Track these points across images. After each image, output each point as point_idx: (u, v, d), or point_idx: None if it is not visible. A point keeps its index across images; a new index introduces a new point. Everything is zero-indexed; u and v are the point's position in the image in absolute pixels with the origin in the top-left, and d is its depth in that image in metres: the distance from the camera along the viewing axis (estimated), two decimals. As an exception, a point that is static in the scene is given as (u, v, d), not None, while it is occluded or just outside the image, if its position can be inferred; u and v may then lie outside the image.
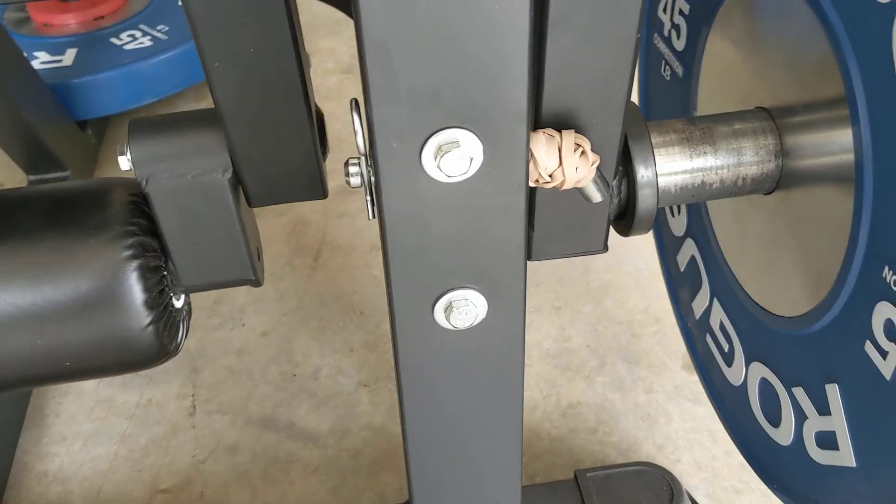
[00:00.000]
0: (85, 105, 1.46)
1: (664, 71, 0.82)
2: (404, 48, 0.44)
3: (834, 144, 0.56)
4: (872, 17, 0.49)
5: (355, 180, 0.54)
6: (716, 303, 0.78)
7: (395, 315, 0.58)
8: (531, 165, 0.53)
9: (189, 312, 0.75)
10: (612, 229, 0.65)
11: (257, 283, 0.71)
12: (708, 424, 1.01)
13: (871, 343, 0.52)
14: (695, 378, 1.05)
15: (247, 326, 1.16)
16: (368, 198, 0.55)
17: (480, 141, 0.49)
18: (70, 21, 1.59)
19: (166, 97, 1.55)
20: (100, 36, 1.55)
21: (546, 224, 0.62)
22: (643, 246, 1.25)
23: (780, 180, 0.62)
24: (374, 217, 0.56)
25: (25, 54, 1.48)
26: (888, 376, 0.51)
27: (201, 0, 0.49)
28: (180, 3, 0.49)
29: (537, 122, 0.55)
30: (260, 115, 0.58)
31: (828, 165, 0.57)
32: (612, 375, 1.07)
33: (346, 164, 0.54)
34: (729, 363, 0.76)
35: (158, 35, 1.54)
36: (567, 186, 0.54)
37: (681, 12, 0.76)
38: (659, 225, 0.92)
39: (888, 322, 0.51)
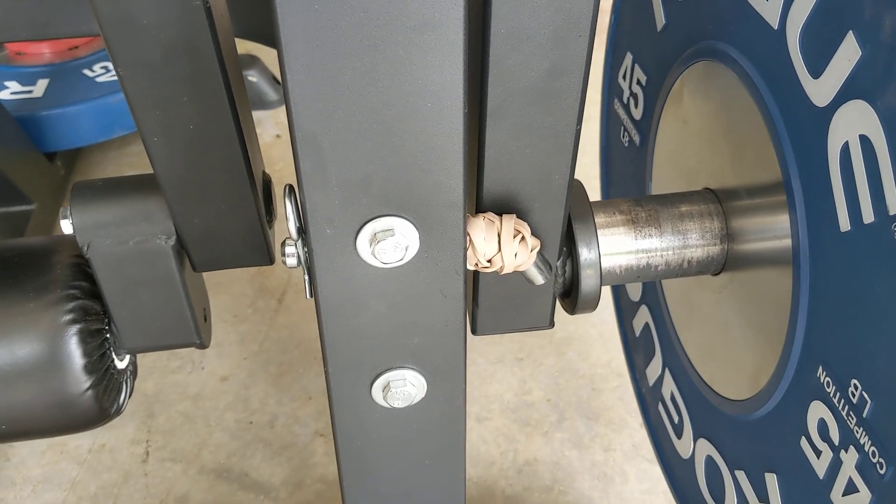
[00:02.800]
0: (54, 137, 1.45)
1: (623, 137, 0.82)
2: (335, 139, 0.44)
3: (773, 229, 0.56)
4: (809, 112, 0.49)
5: (291, 261, 0.53)
6: (667, 373, 0.77)
7: (333, 394, 0.58)
8: (470, 251, 0.52)
9: (134, 371, 0.74)
10: (558, 305, 0.64)
11: (202, 345, 0.70)
12: (664, 486, 1.00)
13: (806, 440, 0.52)
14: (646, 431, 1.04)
15: (206, 370, 1.14)
16: (306, 277, 0.54)
17: (416, 229, 0.49)
18: (44, 50, 1.58)
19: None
20: (73, 67, 1.54)
21: (490, 301, 0.61)
22: (610, 298, 1.24)
23: (726, 263, 0.62)
24: (311, 296, 0.56)
25: (-4, 83, 1.48)
26: (821, 475, 0.51)
27: (138, 80, 0.49)
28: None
29: (478, 205, 0.54)
30: (201, 187, 0.57)
31: (769, 250, 0.57)
32: (570, 431, 1.07)
33: (283, 244, 0.53)
34: (679, 435, 0.76)
35: (132, 67, 1.53)
36: (507, 271, 0.54)
37: (639, 82, 0.76)
38: (617, 288, 0.92)
39: (821, 422, 0.50)
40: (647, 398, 0.85)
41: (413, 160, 0.46)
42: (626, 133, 0.81)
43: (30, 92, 1.47)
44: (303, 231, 0.50)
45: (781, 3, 0.50)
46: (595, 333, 1.20)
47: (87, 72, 1.52)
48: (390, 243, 0.48)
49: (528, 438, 1.06)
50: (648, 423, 0.85)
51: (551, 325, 0.65)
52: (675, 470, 0.78)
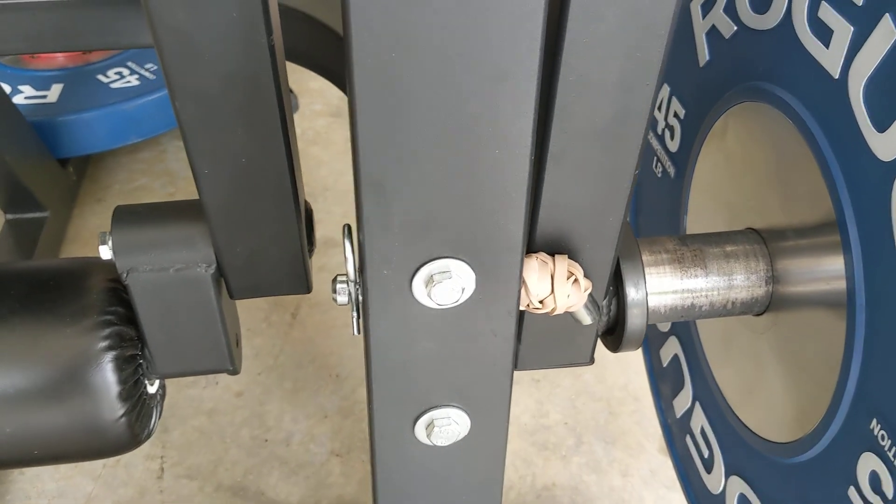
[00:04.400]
0: (68, 143, 1.43)
1: (656, 167, 0.82)
2: (400, 182, 0.44)
3: (825, 272, 0.55)
4: (872, 164, 0.48)
5: (342, 298, 0.53)
6: (698, 407, 0.77)
7: (376, 430, 0.57)
8: (522, 291, 0.52)
9: (163, 395, 0.73)
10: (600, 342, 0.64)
11: (234, 371, 0.70)
12: (682, 513, 1.00)
13: (856, 490, 0.52)
14: (671, 463, 1.04)
15: (220, 385, 1.14)
16: (355, 314, 0.54)
17: (473, 271, 0.48)
18: (57, 54, 1.57)
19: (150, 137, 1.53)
20: (87, 72, 1.53)
21: (533, 337, 0.61)
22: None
23: (771, 304, 0.61)
24: (359, 333, 0.55)
25: (10, 87, 1.47)
26: (872, 526, 0.50)
27: (195, 111, 0.48)
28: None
29: (530, 245, 0.54)
30: (248, 216, 0.57)
31: (819, 293, 0.57)
32: (588, 456, 1.06)
33: (334, 281, 0.53)
34: (708, 470, 0.75)
35: (146, 74, 1.52)
36: (558, 312, 0.53)
37: (676, 115, 0.76)
38: (643, 316, 0.91)
39: (874, 474, 0.50)
40: (674, 429, 0.84)
41: (476, 204, 0.45)
42: (659, 164, 0.81)
43: (44, 97, 1.46)
44: (359, 271, 0.50)
45: (844, 53, 0.50)
46: (611, 356, 1.20)
47: (101, 77, 1.51)
48: (446, 285, 0.48)
49: (546, 462, 1.06)
50: (675, 454, 0.84)
51: (591, 361, 0.65)
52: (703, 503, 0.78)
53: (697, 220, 0.74)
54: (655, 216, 0.84)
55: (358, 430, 1.08)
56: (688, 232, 0.76)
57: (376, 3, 0.37)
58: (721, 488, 0.73)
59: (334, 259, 1.32)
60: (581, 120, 0.46)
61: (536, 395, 1.14)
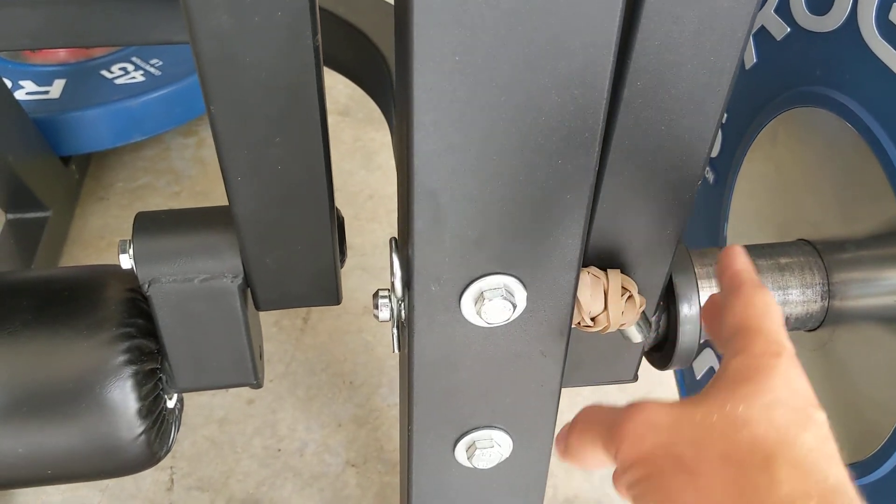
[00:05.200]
0: (71, 141, 1.40)
1: (691, 173, 0.79)
2: (456, 196, 0.41)
3: (889, 284, 0.53)
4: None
5: (384, 314, 0.50)
6: (736, 422, 0.74)
7: (415, 451, 0.54)
8: (574, 309, 0.49)
9: (181, 409, 0.70)
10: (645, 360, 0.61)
11: (258, 385, 0.67)
12: (709, 527, 0.97)
13: (926, 519, 0.49)
14: (695, 474, 1.01)
15: (231, 393, 1.10)
16: (395, 331, 0.51)
17: (525, 288, 0.45)
18: (60, 49, 1.53)
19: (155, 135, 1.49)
20: (90, 67, 1.49)
21: (577, 355, 0.58)
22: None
23: (826, 319, 0.59)
24: (399, 350, 0.52)
25: (11, 82, 1.43)
26: (945, 559, 0.48)
27: (232, 118, 0.45)
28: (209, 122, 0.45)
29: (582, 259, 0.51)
30: (281, 227, 0.54)
31: (881, 307, 0.54)
32: (611, 468, 1.03)
33: (376, 295, 0.50)
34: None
35: (151, 70, 1.48)
36: (610, 330, 0.51)
37: (715, 119, 0.73)
38: (673, 325, 0.88)
39: (949, 503, 0.47)
40: (707, 444, 0.81)
41: (534, 218, 0.42)
42: (695, 169, 0.78)
43: (46, 93, 1.43)
44: (405, 286, 0.46)
45: (921, 57, 0.47)
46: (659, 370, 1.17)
47: (105, 73, 1.47)
48: (497, 303, 0.45)
49: (568, 474, 1.03)
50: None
51: (635, 379, 0.62)
52: (741, 523, 0.75)
53: (739, 229, 0.71)
54: (693, 224, 0.81)
55: (373, 439, 1.05)
56: (728, 241, 0.73)
57: (444, 4, 0.34)
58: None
59: (347, 262, 1.28)
60: (646, 127, 0.43)
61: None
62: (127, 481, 0.99)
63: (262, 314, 1.22)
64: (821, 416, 0.34)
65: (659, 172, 0.46)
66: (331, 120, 1.82)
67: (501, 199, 0.41)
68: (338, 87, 1.80)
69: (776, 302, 0.40)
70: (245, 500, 0.98)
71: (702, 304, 0.56)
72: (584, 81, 0.37)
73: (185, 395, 1.09)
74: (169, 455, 1.03)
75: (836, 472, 0.32)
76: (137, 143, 1.56)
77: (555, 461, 1.03)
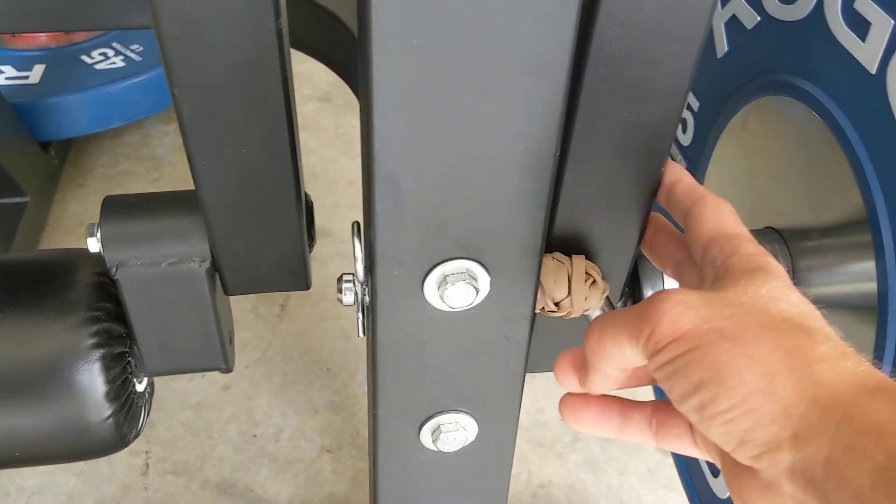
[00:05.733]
0: (50, 126, 1.39)
1: (664, 161, 0.79)
2: (417, 180, 0.41)
3: (853, 272, 0.53)
4: (909, 168, 0.46)
5: (348, 298, 0.50)
6: (705, 409, 0.75)
7: (380, 435, 0.54)
8: (538, 294, 0.49)
9: (151, 392, 0.70)
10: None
11: (227, 369, 0.67)
12: (681, 514, 0.98)
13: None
14: (669, 461, 1.02)
15: (207, 378, 1.10)
16: (360, 316, 0.51)
17: (488, 273, 0.46)
18: (40, 34, 1.52)
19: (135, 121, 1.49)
20: (70, 52, 1.48)
21: (542, 339, 0.58)
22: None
23: (789, 307, 0.59)
24: (364, 335, 0.52)
25: (-10, 66, 1.42)
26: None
27: (196, 101, 0.45)
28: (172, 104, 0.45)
29: (546, 244, 0.51)
30: (247, 211, 0.53)
31: (845, 295, 0.54)
32: (585, 453, 1.04)
33: (340, 279, 0.50)
34: (715, 474, 0.73)
35: (132, 55, 1.47)
36: (574, 315, 0.51)
37: (689, 107, 0.73)
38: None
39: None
40: (678, 431, 0.82)
41: (496, 203, 0.43)
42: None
43: (26, 77, 1.42)
44: (368, 270, 0.47)
45: (883, 47, 0.47)
46: (607, 351, 1.17)
47: (85, 58, 1.46)
48: (460, 287, 0.45)
49: (542, 460, 1.03)
50: (678, 456, 0.82)
51: (603, 364, 0.62)
52: (709, 509, 0.76)
53: (710, 217, 0.71)
54: (664, 211, 0.82)
55: (349, 425, 1.05)
56: (699, 229, 0.73)
57: (400, -13, 0.34)
58: (728, 494, 0.71)
59: (325, 249, 1.28)
60: (609, 114, 0.44)
61: (533, 392, 1.11)
62: (102, 465, 0.99)
63: (240, 302, 1.23)
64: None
65: (622, 159, 0.46)
66: (311, 106, 1.82)
67: (462, 183, 0.41)
68: (318, 73, 1.79)
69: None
70: (220, 484, 0.98)
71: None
72: (544, 67, 0.37)
73: (161, 380, 1.09)
74: (144, 440, 1.03)
75: (848, 346, 0.36)
76: (118, 130, 1.55)
77: (529, 447, 1.04)
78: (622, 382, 0.43)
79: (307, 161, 1.58)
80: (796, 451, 0.32)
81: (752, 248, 0.39)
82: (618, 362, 0.41)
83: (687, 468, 0.80)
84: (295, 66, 1.56)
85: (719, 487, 0.73)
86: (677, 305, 0.36)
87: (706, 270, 0.41)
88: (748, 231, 0.42)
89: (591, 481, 1.01)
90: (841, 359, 0.34)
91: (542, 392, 1.12)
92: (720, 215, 0.42)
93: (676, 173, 0.46)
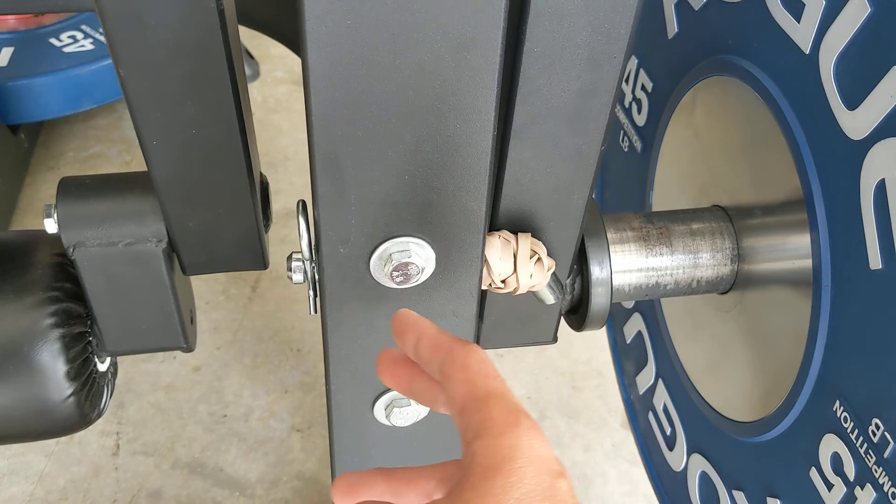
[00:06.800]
0: (19, 109, 1.38)
1: (623, 142, 0.81)
2: (357, 158, 0.42)
3: (791, 249, 0.55)
4: (840, 143, 0.47)
5: (298, 276, 0.51)
6: (661, 384, 0.77)
7: (333, 411, 0.56)
8: (484, 271, 0.51)
9: (115, 373, 0.71)
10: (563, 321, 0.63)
11: (188, 349, 0.67)
12: (644, 488, 1.00)
13: (817, 471, 0.51)
14: (632, 438, 1.04)
15: (178, 360, 1.11)
16: (311, 293, 0.52)
17: (433, 250, 0.47)
18: (8, 16, 1.51)
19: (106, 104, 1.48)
20: (39, 35, 1.47)
21: (495, 316, 0.59)
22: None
23: (736, 282, 0.61)
24: (316, 313, 0.53)
25: (-43, 50, 1.41)
26: (832, 507, 0.50)
27: (142, 81, 0.46)
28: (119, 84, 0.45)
29: (492, 223, 0.52)
30: (200, 190, 0.54)
31: (785, 271, 0.56)
32: (551, 430, 1.06)
33: (289, 258, 0.51)
34: (670, 447, 0.75)
35: (101, 38, 1.47)
36: (520, 292, 0.52)
37: (643, 88, 0.74)
38: (607, 292, 0.90)
39: (835, 455, 0.50)
40: (636, 405, 0.84)
41: (437, 181, 0.44)
42: (626, 138, 0.80)
43: (-7, 61, 1.41)
44: (314, 249, 0.48)
45: (815, 28, 0.48)
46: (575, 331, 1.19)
47: (53, 41, 1.46)
48: (406, 265, 0.46)
49: (509, 437, 1.05)
50: (637, 430, 0.84)
51: (554, 340, 0.64)
52: (665, 481, 0.77)
53: (663, 196, 0.73)
54: (621, 191, 0.83)
55: (319, 405, 1.07)
56: (654, 208, 0.75)
57: (330, -34, 0.35)
58: (683, 465, 0.72)
59: (296, 231, 1.29)
60: (546, 94, 0.45)
61: (500, 370, 1.13)
62: (73, 446, 1.00)
63: (211, 283, 1.23)
64: (563, 486, 0.35)
65: (562, 138, 0.47)
66: (285, 89, 1.81)
67: (402, 162, 0.42)
68: (291, 55, 1.79)
69: (485, 353, 0.39)
70: (190, 464, 0.99)
71: (613, 267, 0.58)
72: (477, 45, 0.38)
73: (131, 362, 1.10)
74: (115, 421, 1.04)
75: None
76: (89, 112, 1.55)
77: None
78: None
79: (280, 143, 1.58)
80: None
81: (499, 420, 0.36)
82: None
83: (645, 441, 0.82)
84: (267, 49, 1.58)
85: (675, 460, 0.74)
86: None
87: (462, 444, 0.37)
88: (502, 384, 0.38)
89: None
90: None
91: (509, 371, 1.13)
92: (468, 372, 0.38)
93: (416, 327, 0.41)
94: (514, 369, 1.14)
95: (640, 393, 0.82)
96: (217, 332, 1.16)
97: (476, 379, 0.38)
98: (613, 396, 1.10)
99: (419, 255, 0.46)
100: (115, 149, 1.50)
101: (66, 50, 1.44)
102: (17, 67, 1.40)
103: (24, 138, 1.44)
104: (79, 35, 1.47)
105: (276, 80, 1.75)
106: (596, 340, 1.18)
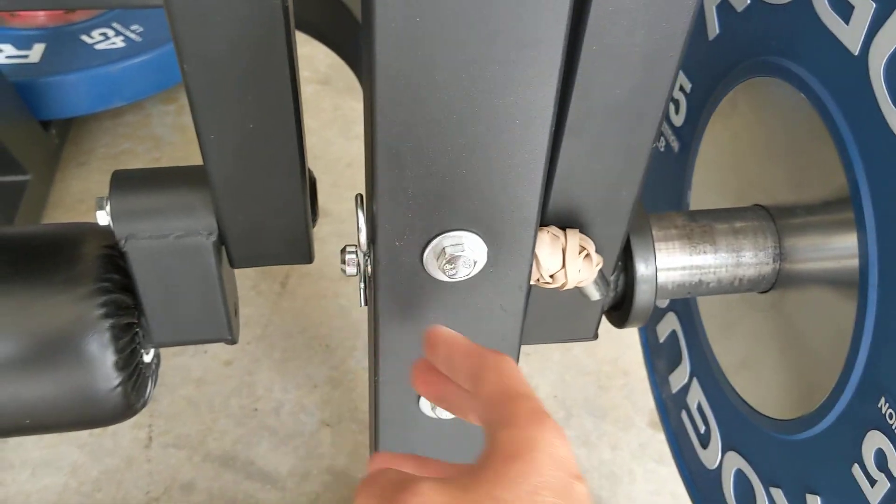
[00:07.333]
0: (50, 105, 1.40)
1: (659, 142, 0.81)
2: (418, 152, 0.43)
3: (836, 248, 0.55)
4: (890, 143, 0.48)
5: (351, 269, 0.52)
6: (695, 383, 0.77)
7: (381, 403, 0.56)
8: (533, 266, 0.51)
9: (158, 363, 0.72)
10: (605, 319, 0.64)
11: (233, 341, 0.69)
12: (671, 487, 1.01)
13: (860, 467, 0.52)
14: (660, 437, 1.05)
15: (209, 354, 1.12)
16: (362, 286, 0.53)
17: (485, 244, 0.48)
18: (39, 12, 1.53)
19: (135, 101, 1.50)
20: (70, 32, 1.49)
21: (538, 312, 0.60)
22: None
23: (777, 281, 0.61)
24: (366, 305, 0.54)
25: (-10, 45, 1.43)
26: (874, 503, 0.51)
27: (205, 77, 0.47)
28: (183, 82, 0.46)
29: (542, 218, 0.53)
30: (253, 185, 0.55)
31: (828, 270, 0.56)
32: (578, 429, 1.07)
33: (344, 251, 0.52)
34: (704, 445, 0.76)
35: (132, 36, 1.49)
36: (568, 287, 0.53)
37: (682, 88, 0.75)
38: (639, 291, 0.91)
39: (879, 451, 0.50)
40: (668, 404, 0.84)
41: (493, 176, 0.45)
42: (663, 138, 0.80)
43: (26, 56, 1.43)
44: (370, 241, 0.49)
45: (865, 29, 0.49)
46: (601, 330, 1.20)
47: (85, 38, 1.47)
48: (459, 258, 0.47)
49: (537, 435, 1.06)
50: (668, 428, 0.85)
51: (595, 337, 0.64)
52: (698, 479, 0.78)
53: (701, 196, 0.73)
54: (657, 191, 0.83)
55: (348, 399, 1.08)
56: (691, 207, 0.75)
57: (403, -35, 0.36)
58: (717, 463, 0.73)
59: (324, 228, 1.30)
60: (602, 92, 0.45)
61: (526, 369, 1.14)
62: (105, 438, 1.02)
63: (242, 279, 1.25)
64: (581, 489, 0.35)
65: (615, 135, 0.48)
66: (311, 88, 1.84)
67: (461, 157, 0.43)
68: (318, 56, 1.81)
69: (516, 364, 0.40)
70: (221, 457, 1.00)
71: (658, 265, 0.58)
72: (540, 43, 0.39)
73: (163, 356, 1.11)
74: (147, 413, 1.05)
75: None
76: (118, 110, 1.56)
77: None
78: None
79: (307, 143, 1.59)
80: None
81: (527, 415, 0.37)
82: None
83: (677, 439, 0.83)
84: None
85: (708, 458, 0.75)
86: None
87: (485, 436, 0.39)
88: (531, 390, 0.40)
89: (584, 456, 1.04)
90: None
91: (536, 370, 1.14)
92: (501, 375, 0.40)
93: (447, 340, 0.43)
94: (541, 368, 1.14)
95: (673, 392, 0.82)
96: (247, 326, 1.17)
97: (507, 381, 0.40)
98: (639, 395, 1.11)
99: (472, 249, 0.47)
100: (143, 146, 1.52)
101: (97, 47, 1.46)
102: (49, 64, 1.42)
103: (55, 134, 1.45)
104: (110, 32, 1.49)
105: (302, 79, 1.75)
106: (622, 339, 1.18)
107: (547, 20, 0.38)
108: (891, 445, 0.49)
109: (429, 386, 0.46)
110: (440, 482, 0.36)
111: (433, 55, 0.39)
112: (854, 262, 0.53)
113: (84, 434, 1.02)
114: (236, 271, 1.15)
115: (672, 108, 0.77)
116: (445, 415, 0.56)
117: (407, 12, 0.37)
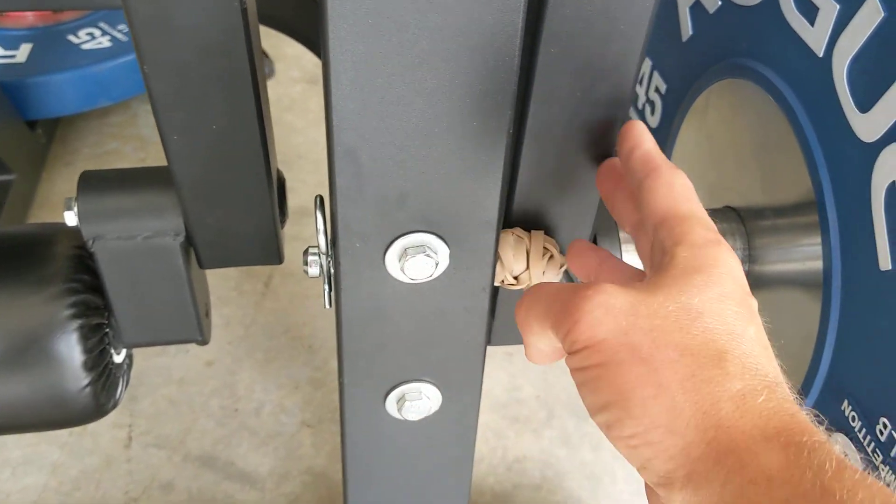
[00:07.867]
0: (37, 105, 1.40)
1: (635, 143, 0.81)
2: (375, 154, 0.43)
3: (802, 251, 0.55)
4: (852, 145, 0.48)
5: (313, 270, 0.52)
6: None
7: (345, 404, 0.56)
8: (497, 267, 0.51)
9: (130, 364, 0.72)
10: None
11: (203, 342, 0.68)
12: (652, 488, 1.00)
13: (826, 470, 0.52)
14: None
15: (190, 354, 1.12)
16: (326, 287, 0.53)
17: (447, 245, 0.48)
18: (27, 13, 1.52)
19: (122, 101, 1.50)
20: (57, 32, 1.49)
21: (508, 312, 0.60)
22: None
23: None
24: (331, 307, 0.54)
25: (-23, 45, 1.43)
26: (841, 507, 0.51)
27: (166, 79, 0.47)
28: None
29: (506, 220, 0.53)
30: (219, 186, 0.55)
31: (795, 273, 0.56)
32: (559, 430, 1.07)
33: (306, 252, 0.52)
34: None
35: (118, 36, 1.48)
36: (532, 289, 0.53)
37: (657, 90, 0.75)
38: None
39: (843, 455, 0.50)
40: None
41: (453, 178, 0.44)
42: (638, 139, 0.80)
43: (12, 56, 1.42)
44: (331, 243, 0.48)
45: (829, 31, 0.49)
46: (585, 330, 1.19)
47: (72, 38, 1.47)
48: (420, 259, 0.47)
49: (518, 435, 1.05)
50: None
51: (565, 338, 0.64)
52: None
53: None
54: (633, 192, 0.83)
55: (329, 400, 1.07)
56: (665, 209, 0.75)
57: (352, -34, 0.35)
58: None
59: (308, 229, 1.30)
60: (562, 93, 0.45)
61: (509, 369, 1.14)
62: (86, 438, 1.01)
63: (224, 279, 1.24)
64: (755, 305, 0.37)
65: (576, 137, 0.48)
66: (298, 88, 1.82)
67: (420, 158, 0.43)
68: (306, 55, 1.80)
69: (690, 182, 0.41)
70: (201, 457, 1.00)
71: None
72: (495, 46, 0.39)
73: (144, 356, 1.11)
74: (127, 413, 1.05)
75: (775, 368, 0.35)
76: (104, 109, 1.56)
77: (505, 423, 1.06)
78: (558, 357, 0.42)
79: (293, 141, 1.59)
80: (688, 492, 0.32)
81: (701, 235, 0.38)
82: (545, 343, 0.40)
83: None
84: (282, 49, 1.60)
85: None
86: (598, 308, 0.35)
87: (654, 252, 0.39)
88: (702, 209, 0.40)
89: (565, 456, 1.04)
90: (750, 396, 0.32)
91: (518, 370, 1.14)
92: (672, 192, 0.40)
93: (635, 138, 0.43)
94: (524, 369, 1.14)
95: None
96: (229, 327, 1.17)
97: (679, 198, 0.40)
98: (622, 397, 1.11)
99: (433, 251, 0.47)
100: (130, 146, 1.51)
101: (83, 47, 1.45)
102: (36, 64, 1.41)
103: (41, 134, 1.45)
104: (96, 32, 1.49)
105: (291, 79, 1.76)
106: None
107: (502, 21, 0.38)
108: (854, 449, 0.49)
109: (604, 182, 0.48)
110: (619, 287, 0.36)
111: (387, 56, 0.39)
112: (818, 264, 0.53)
113: (64, 433, 1.01)
114: (220, 271, 1.14)
115: (648, 109, 0.77)
116: (411, 415, 0.56)
117: (359, 15, 0.37)
